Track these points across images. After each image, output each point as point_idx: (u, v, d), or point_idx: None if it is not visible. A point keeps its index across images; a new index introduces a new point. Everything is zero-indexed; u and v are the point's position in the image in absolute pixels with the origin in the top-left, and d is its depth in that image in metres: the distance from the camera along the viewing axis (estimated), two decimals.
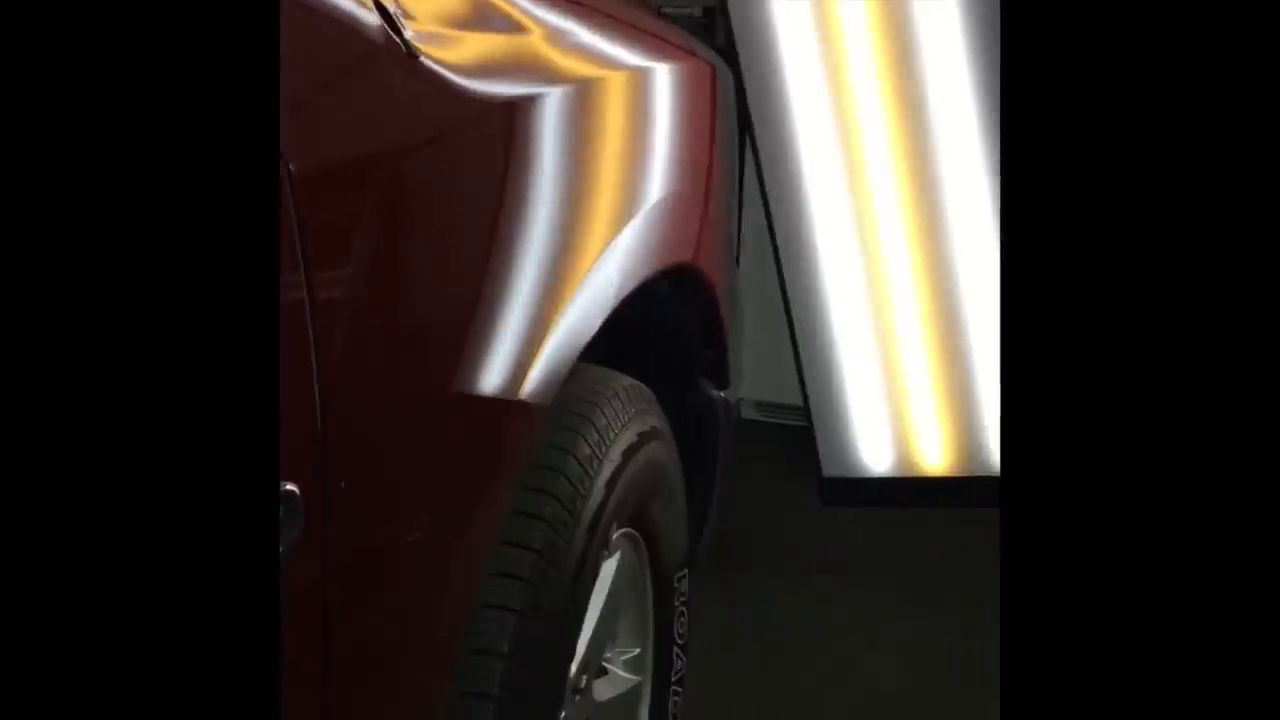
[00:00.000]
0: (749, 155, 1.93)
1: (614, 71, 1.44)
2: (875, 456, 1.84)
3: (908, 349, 1.80)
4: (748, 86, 1.71)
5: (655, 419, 1.58)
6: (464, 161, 1.05)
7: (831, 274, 1.79)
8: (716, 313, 1.75)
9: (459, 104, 1.04)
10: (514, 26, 1.24)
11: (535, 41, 1.28)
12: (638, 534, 1.61)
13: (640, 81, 1.51)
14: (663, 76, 1.57)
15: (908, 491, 1.81)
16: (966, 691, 2.17)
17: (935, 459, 1.79)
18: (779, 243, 1.78)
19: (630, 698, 1.71)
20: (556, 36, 1.36)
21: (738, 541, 2.40)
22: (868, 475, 1.83)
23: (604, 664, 1.66)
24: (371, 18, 0.92)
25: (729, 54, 1.81)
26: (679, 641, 1.78)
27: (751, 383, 2.38)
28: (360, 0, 0.92)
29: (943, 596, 2.43)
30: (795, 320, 1.81)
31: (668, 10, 3.46)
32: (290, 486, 0.77)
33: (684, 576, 1.77)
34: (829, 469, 1.84)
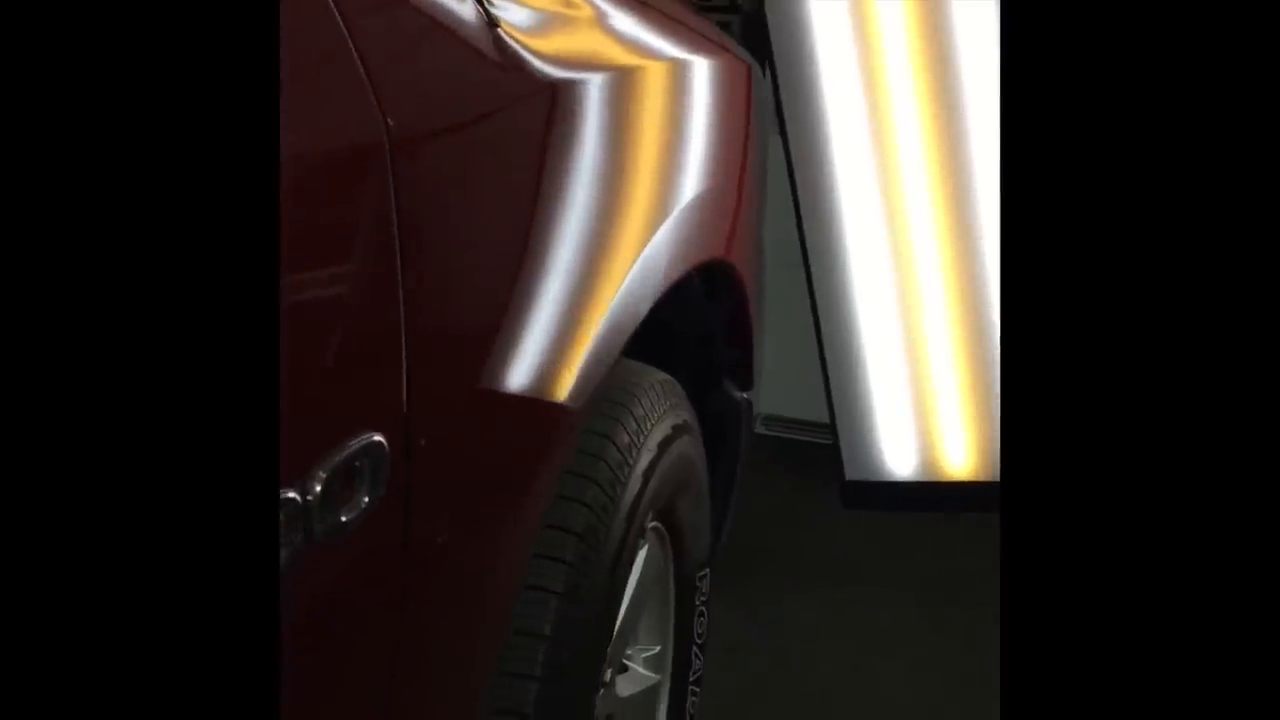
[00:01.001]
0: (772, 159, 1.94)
1: (658, 61, 1.44)
2: (899, 460, 1.84)
3: (935, 353, 1.80)
4: (782, 86, 1.72)
5: (686, 414, 1.58)
6: (527, 134, 1.06)
7: (860, 277, 1.79)
8: (745, 311, 1.75)
9: (526, 77, 1.04)
10: (571, 5, 1.25)
11: (589, 24, 1.29)
12: (664, 529, 1.60)
13: (681, 73, 1.51)
14: (702, 70, 1.58)
15: (931, 496, 1.81)
16: (974, 704, 2.17)
17: (960, 463, 1.79)
18: (808, 245, 1.79)
19: (649, 696, 1.70)
20: (607, 22, 1.36)
21: (746, 553, 2.39)
22: (891, 479, 1.83)
23: (625, 661, 1.65)
24: None
25: (752, 52, 1.82)
26: (698, 641, 1.78)
27: (761, 397, 2.39)
28: None
29: (951, 609, 2.43)
30: (822, 323, 1.81)
31: None
32: (378, 437, 0.77)
33: (705, 576, 1.76)
34: (851, 472, 1.84)
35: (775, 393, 2.77)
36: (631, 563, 1.40)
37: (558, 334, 1.18)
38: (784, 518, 2.72)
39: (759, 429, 3.22)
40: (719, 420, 1.86)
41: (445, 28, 0.92)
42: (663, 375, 1.54)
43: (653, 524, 1.55)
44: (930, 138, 1.70)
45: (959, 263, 1.74)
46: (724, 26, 3.57)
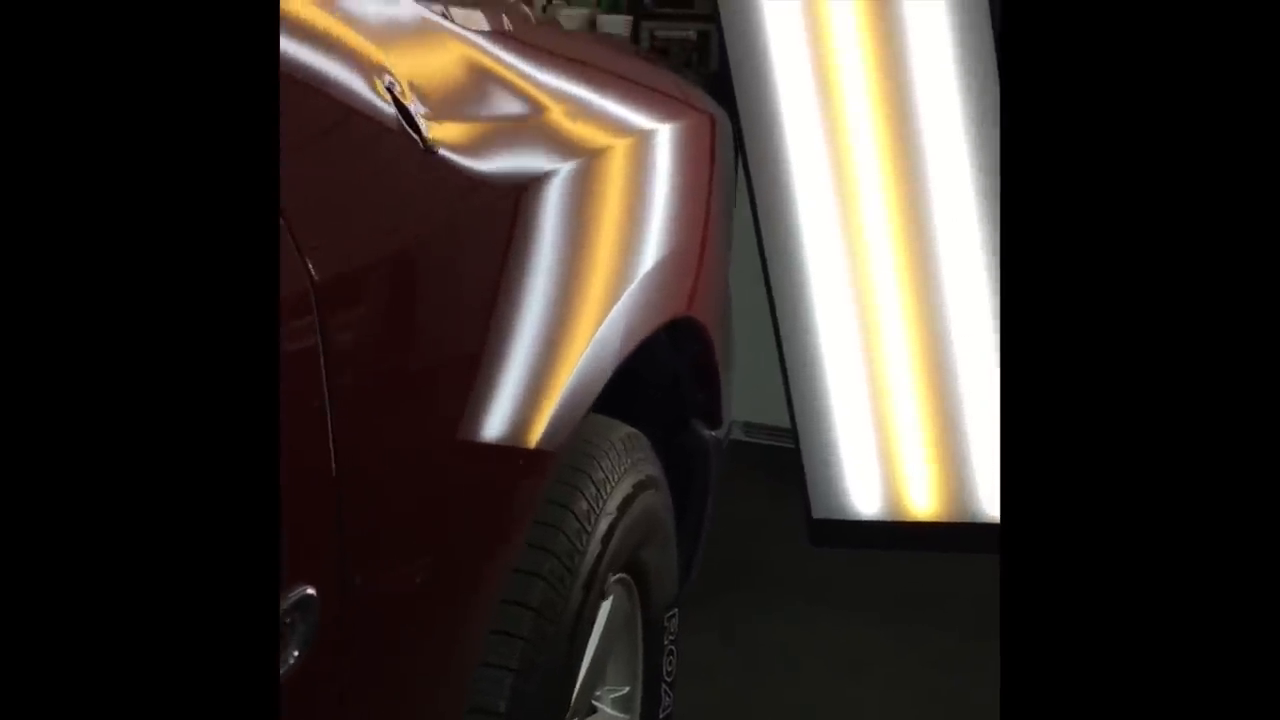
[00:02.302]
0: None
1: (617, 140, 1.46)
2: (864, 499, 1.86)
3: (899, 393, 1.82)
4: (739, 97, 1.73)
5: (650, 467, 1.60)
6: (474, 243, 1.07)
7: (824, 315, 1.81)
8: (710, 357, 1.78)
9: (471, 192, 1.05)
10: (522, 103, 1.26)
11: (541, 118, 1.30)
12: (630, 578, 1.63)
13: (641, 147, 1.53)
14: (663, 139, 1.60)
15: (896, 535, 1.83)
16: None
17: (924, 504, 1.82)
18: (772, 283, 1.81)
19: None
20: (561, 109, 1.37)
21: (721, 569, 2.42)
22: (856, 518, 1.86)
23: (594, 702, 1.69)
24: (390, 114, 0.94)
25: (724, 77, 1.83)
26: (667, 680, 1.81)
27: (739, 404, 2.41)
28: (380, 96, 0.94)
29: (925, 629, 2.46)
30: (787, 361, 1.83)
31: (661, 33, 3.49)
32: (310, 590, 0.79)
33: (673, 616, 1.79)
34: (818, 510, 1.86)
35: (755, 400, 2.80)
36: (592, 624, 1.42)
37: (509, 445, 1.20)
38: (760, 529, 2.74)
39: (740, 436, 3.25)
40: (688, 458, 1.89)
41: (374, 164, 0.93)
42: (626, 430, 1.56)
43: (618, 576, 1.58)
44: (886, 156, 1.71)
45: (920, 306, 1.76)
46: (702, 50, 3.58)
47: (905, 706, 2.28)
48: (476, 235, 1.07)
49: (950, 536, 1.79)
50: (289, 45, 0.92)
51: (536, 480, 1.29)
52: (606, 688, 1.72)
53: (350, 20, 0.97)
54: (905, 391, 1.82)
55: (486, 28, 1.28)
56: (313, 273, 0.80)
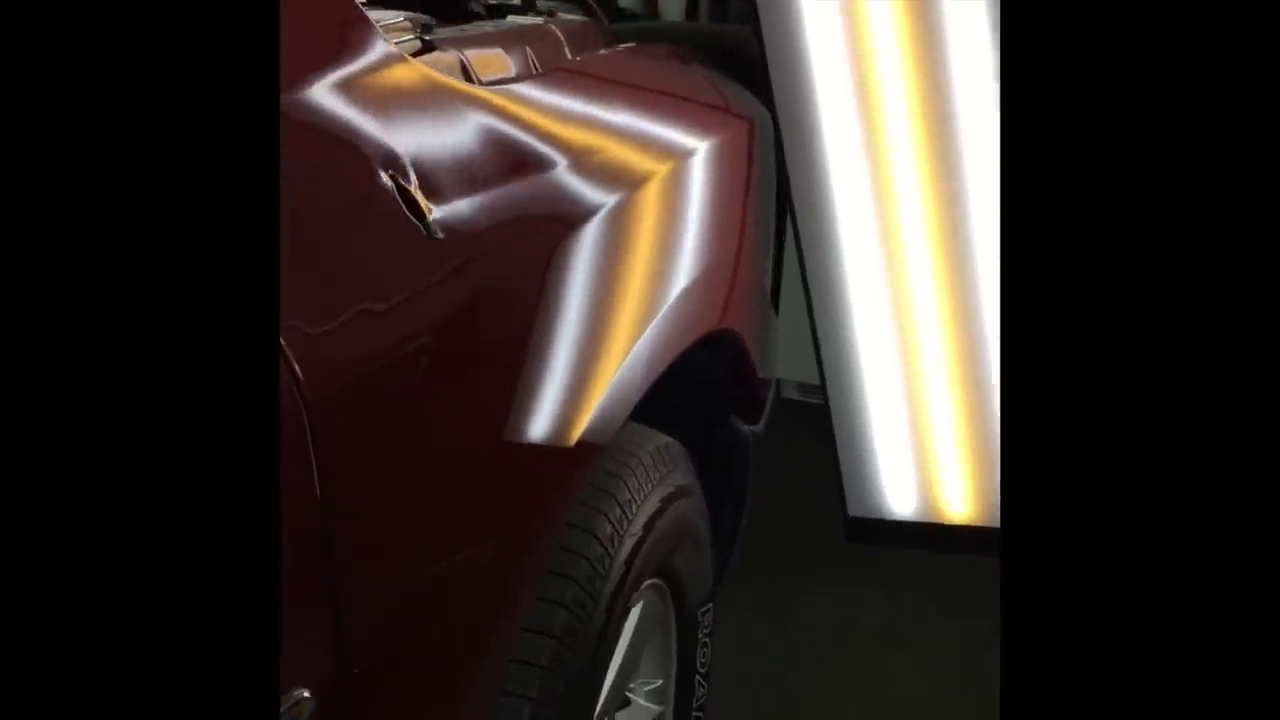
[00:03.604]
0: None
1: (651, 169, 1.46)
2: (900, 500, 1.88)
3: (935, 394, 1.82)
4: (777, 97, 1.73)
5: (681, 476, 1.63)
6: (489, 317, 1.09)
7: (861, 314, 1.81)
8: (746, 359, 1.79)
9: (480, 275, 1.06)
10: (547, 155, 1.26)
11: (571, 165, 1.31)
12: (662, 583, 1.67)
13: (677, 172, 1.53)
14: (699, 159, 1.60)
15: (930, 537, 1.85)
16: (987, 702, 2.23)
17: (959, 507, 1.83)
18: (809, 282, 1.81)
19: None
20: (593, 150, 1.38)
21: (765, 540, 2.44)
22: (891, 518, 1.88)
23: (627, 694, 1.74)
24: (392, 204, 0.96)
25: (762, 78, 1.81)
26: (701, 671, 1.85)
27: (794, 365, 2.42)
28: (379, 184, 0.96)
29: (967, 605, 2.47)
30: (824, 359, 1.84)
31: None
32: (305, 693, 0.83)
33: (707, 611, 1.83)
34: (854, 508, 1.88)
35: (807, 361, 2.81)
36: (615, 644, 1.46)
37: (528, 491, 1.23)
38: (806, 497, 2.74)
39: (794, 395, 3.25)
40: (726, 453, 1.91)
41: (370, 261, 0.94)
42: (656, 443, 1.59)
43: (649, 583, 1.62)
44: (924, 158, 1.70)
45: (958, 308, 1.76)
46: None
47: (945, 687, 2.31)
48: (492, 308, 1.08)
49: (984, 541, 1.80)
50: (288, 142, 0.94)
51: (559, 518, 1.32)
52: (640, 680, 1.77)
53: (351, 103, 0.98)
54: (942, 393, 1.82)
55: (511, 71, 1.29)
56: (305, 392, 0.83)
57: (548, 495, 1.29)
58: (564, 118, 1.37)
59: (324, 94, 0.97)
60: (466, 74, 1.20)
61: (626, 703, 1.74)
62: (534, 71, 1.34)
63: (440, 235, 0.98)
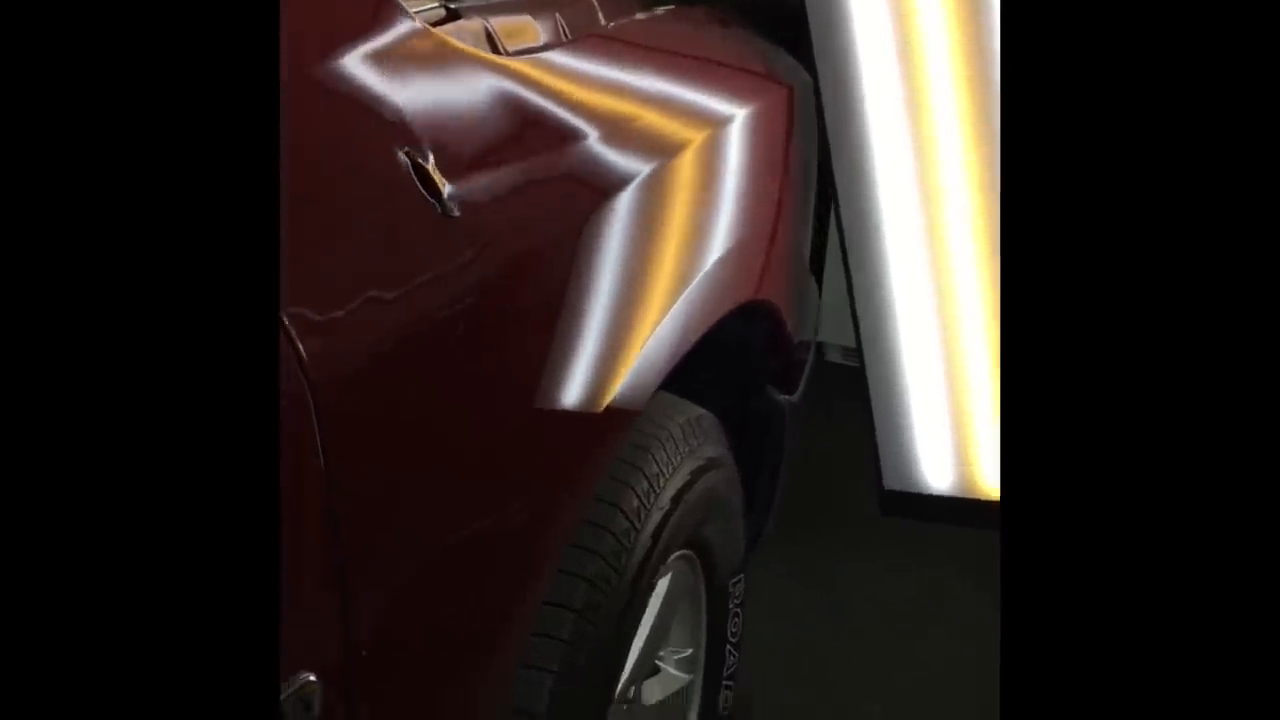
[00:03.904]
0: None
1: (687, 137, 1.44)
2: (936, 474, 1.85)
3: (974, 367, 1.79)
4: (818, 60, 1.70)
5: (712, 448, 1.61)
6: (509, 299, 1.07)
7: (900, 283, 1.78)
8: (782, 329, 1.77)
9: (500, 249, 1.04)
10: (577, 126, 1.24)
11: (603, 136, 1.28)
12: (692, 553, 1.66)
13: (713, 140, 1.50)
14: (737, 127, 1.57)
15: (966, 511, 1.82)
16: None
17: (995, 483, 1.80)
18: (848, 249, 1.78)
19: (680, 695, 1.78)
20: (626, 120, 1.35)
21: (805, 504, 2.42)
22: (927, 491, 1.85)
23: (657, 662, 1.73)
24: (406, 181, 0.94)
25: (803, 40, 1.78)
26: (731, 640, 1.85)
27: (839, 328, 2.39)
28: (394, 161, 0.94)
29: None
30: (862, 328, 1.81)
31: None
32: (311, 676, 0.83)
33: (739, 581, 1.82)
34: (889, 482, 1.86)
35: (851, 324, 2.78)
36: (639, 619, 1.45)
37: (552, 467, 1.23)
38: (847, 462, 2.71)
39: (838, 359, 3.22)
40: (762, 422, 1.89)
41: (381, 239, 0.92)
42: (687, 415, 1.57)
43: (678, 554, 1.61)
44: (969, 135, 1.67)
45: (997, 281, 1.72)
46: None
47: (979, 659, 2.29)
48: (514, 282, 1.07)
49: None
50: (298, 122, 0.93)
51: (584, 491, 1.31)
52: (670, 650, 1.76)
53: (368, 76, 0.97)
54: (981, 365, 1.79)
55: (540, 39, 1.27)
56: (309, 370, 0.82)
57: (572, 468, 1.28)
58: (594, 86, 1.35)
59: (339, 67, 0.95)
60: (492, 43, 1.18)
61: (656, 670, 1.74)
62: (564, 39, 1.32)
63: (456, 213, 0.96)
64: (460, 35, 1.13)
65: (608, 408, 1.28)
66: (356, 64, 0.96)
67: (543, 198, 1.19)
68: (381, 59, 0.98)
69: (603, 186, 1.27)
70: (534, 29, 1.26)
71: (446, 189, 0.96)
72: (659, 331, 1.39)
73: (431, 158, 0.96)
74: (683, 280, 1.44)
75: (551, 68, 1.24)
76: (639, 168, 1.34)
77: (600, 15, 1.45)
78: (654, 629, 1.60)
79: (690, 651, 1.79)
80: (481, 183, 1.03)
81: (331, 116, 0.93)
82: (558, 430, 1.22)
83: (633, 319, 1.33)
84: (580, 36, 1.35)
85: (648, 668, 1.64)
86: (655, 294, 1.38)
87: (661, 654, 1.75)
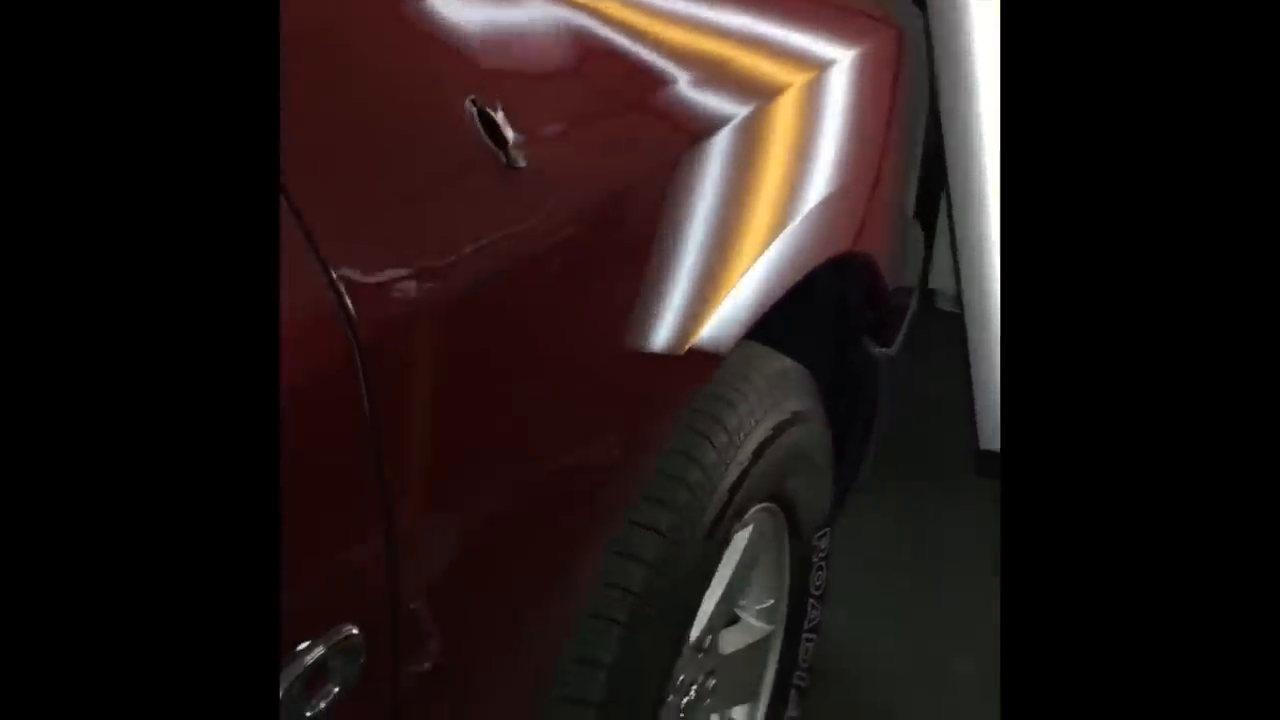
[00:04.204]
0: None
1: (785, 81, 1.39)
2: None
3: None
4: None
5: (798, 401, 1.58)
6: (584, 251, 1.05)
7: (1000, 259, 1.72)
8: (880, 282, 1.72)
9: (573, 198, 1.01)
10: (668, 69, 1.20)
11: (695, 79, 1.25)
12: (776, 506, 1.64)
13: (814, 85, 1.45)
14: (840, 71, 1.52)
15: None
16: None
17: None
18: (952, 201, 1.73)
19: (759, 645, 1.77)
20: (723, 61, 1.31)
21: (908, 452, 2.38)
22: None
23: (737, 612, 1.72)
24: (468, 130, 0.92)
25: None
26: (814, 594, 1.83)
27: (948, 276, 2.33)
28: (459, 112, 0.92)
29: None
30: (964, 287, 1.76)
31: None
32: (353, 630, 0.83)
33: (824, 535, 1.80)
34: (985, 442, 1.81)
35: None
36: (712, 573, 1.44)
37: (650, 369, 1.21)
38: (947, 410, 2.65)
39: (949, 307, 3.15)
40: (856, 374, 1.86)
41: (437, 190, 0.90)
42: (774, 367, 1.54)
43: (760, 506, 1.59)
44: None
45: None
46: None
47: None
48: (585, 237, 1.04)
49: None
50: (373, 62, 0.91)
51: (657, 440, 1.29)
52: (751, 600, 1.75)
53: (434, 16, 0.95)
54: None
55: None
56: (359, 335, 0.80)
57: (644, 416, 1.25)
58: (688, 26, 1.31)
59: (408, 8, 0.93)
60: None
61: (736, 620, 1.73)
62: None
63: (521, 163, 0.94)
64: None
65: (686, 355, 1.26)
66: (425, 4, 0.94)
67: (626, 143, 1.16)
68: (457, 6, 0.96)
69: (693, 131, 1.24)
70: None
71: (514, 138, 0.94)
72: (745, 280, 1.36)
73: (501, 106, 0.94)
74: (774, 229, 1.40)
75: (643, 7, 1.20)
76: (733, 111, 1.30)
77: None
78: (732, 580, 1.59)
79: (772, 603, 1.77)
80: (554, 130, 1.01)
81: (396, 59, 0.91)
82: (629, 376, 1.20)
83: (717, 266, 1.30)
84: None
85: (725, 618, 1.63)
86: (743, 242, 1.35)
87: (742, 604, 1.74)
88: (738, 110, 1.31)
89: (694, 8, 1.34)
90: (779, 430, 1.51)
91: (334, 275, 0.79)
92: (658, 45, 1.25)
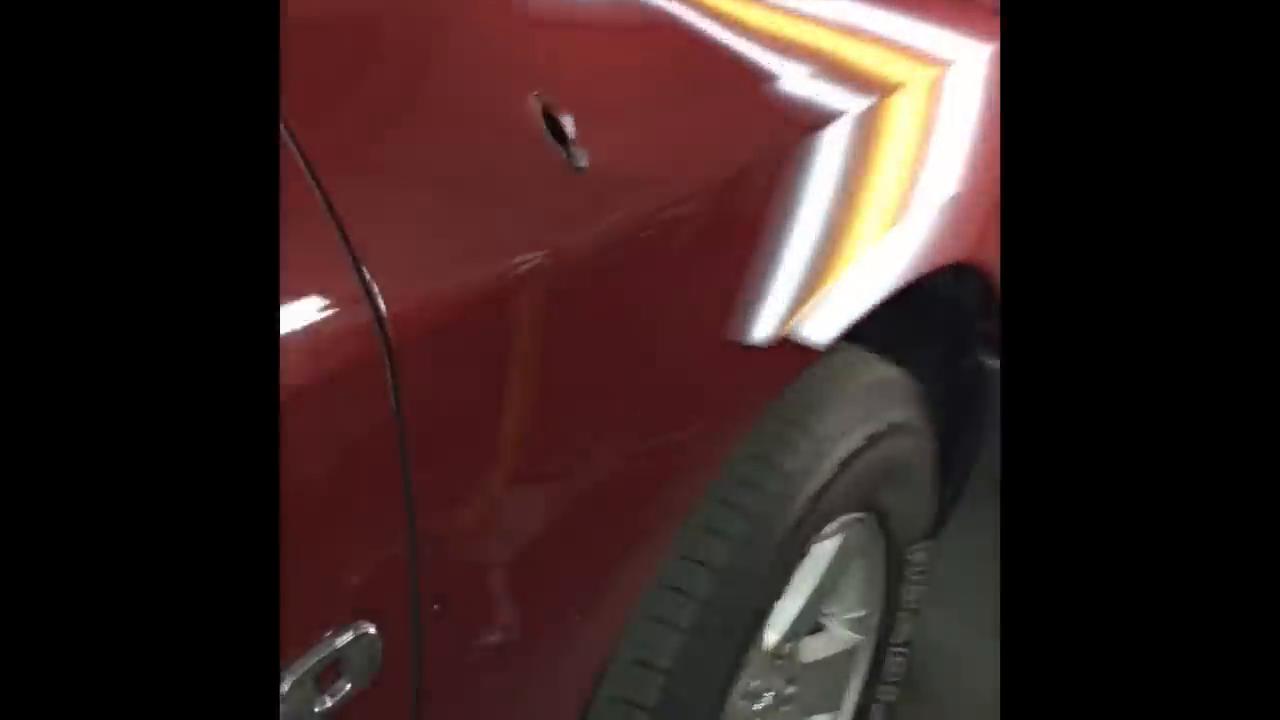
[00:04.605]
0: None
1: (898, 90, 1.34)
2: None
3: None
4: None
5: (899, 411, 1.53)
6: (637, 251, 1.01)
7: None
8: (996, 293, 1.65)
9: (636, 208, 0.98)
10: (750, 75, 1.15)
11: (803, 75, 1.20)
12: (869, 516, 1.59)
13: (936, 89, 1.39)
14: (965, 73, 1.45)
15: None
16: None
17: None
18: None
19: (845, 655, 1.73)
20: (835, 56, 1.26)
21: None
22: None
23: (821, 620, 1.68)
24: (530, 128, 0.89)
25: None
26: (908, 608, 1.77)
27: None
28: (519, 104, 0.90)
29: None
30: None
31: None
32: (370, 628, 0.82)
33: (922, 548, 1.74)
34: None
35: None
36: (783, 582, 1.40)
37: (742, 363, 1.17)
38: None
39: None
40: (969, 385, 1.79)
41: (493, 190, 0.87)
42: (874, 374, 1.49)
43: (851, 516, 1.54)
44: None
45: None
46: None
47: None
48: (653, 240, 1.01)
49: None
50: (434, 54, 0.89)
51: (729, 438, 1.26)
52: (842, 609, 1.70)
53: (507, 14, 0.92)
54: None
55: None
56: (390, 336, 0.79)
57: (712, 414, 1.21)
58: (797, 20, 1.26)
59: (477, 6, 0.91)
60: None
61: (820, 629, 1.69)
62: None
63: (583, 164, 0.91)
64: None
65: (771, 349, 1.22)
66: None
67: (720, 137, 1.12)
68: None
69: (798, 125, 1.19)
70: None
71: (577, 138, 0.91)
72: (846, 278, 1.31)
73: (569, 103, 0.91)
74: (883, 228, 1.34)
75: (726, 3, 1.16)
76: (844, 106, 1.25)
77: None
78: (817, 588, 1.55)
79: (863, 613, 1.72)
80: (628, 132, 0.97)
81: (463, 51, 0.89)
82: (701, 372, 1.16)
83: (816, 262, 1.25)
84: None
85: (807, 626, 1.59)
86: (847, 239, 1.29)
87: (830, 613, 1.70)
88: (849, 105, 1.26)
89: (803, 2, 1.29)
90: (872, 441, 1.46)
91: (365, 273, 0.77)
92: (765, 38, 1.21)
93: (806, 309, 1.26)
